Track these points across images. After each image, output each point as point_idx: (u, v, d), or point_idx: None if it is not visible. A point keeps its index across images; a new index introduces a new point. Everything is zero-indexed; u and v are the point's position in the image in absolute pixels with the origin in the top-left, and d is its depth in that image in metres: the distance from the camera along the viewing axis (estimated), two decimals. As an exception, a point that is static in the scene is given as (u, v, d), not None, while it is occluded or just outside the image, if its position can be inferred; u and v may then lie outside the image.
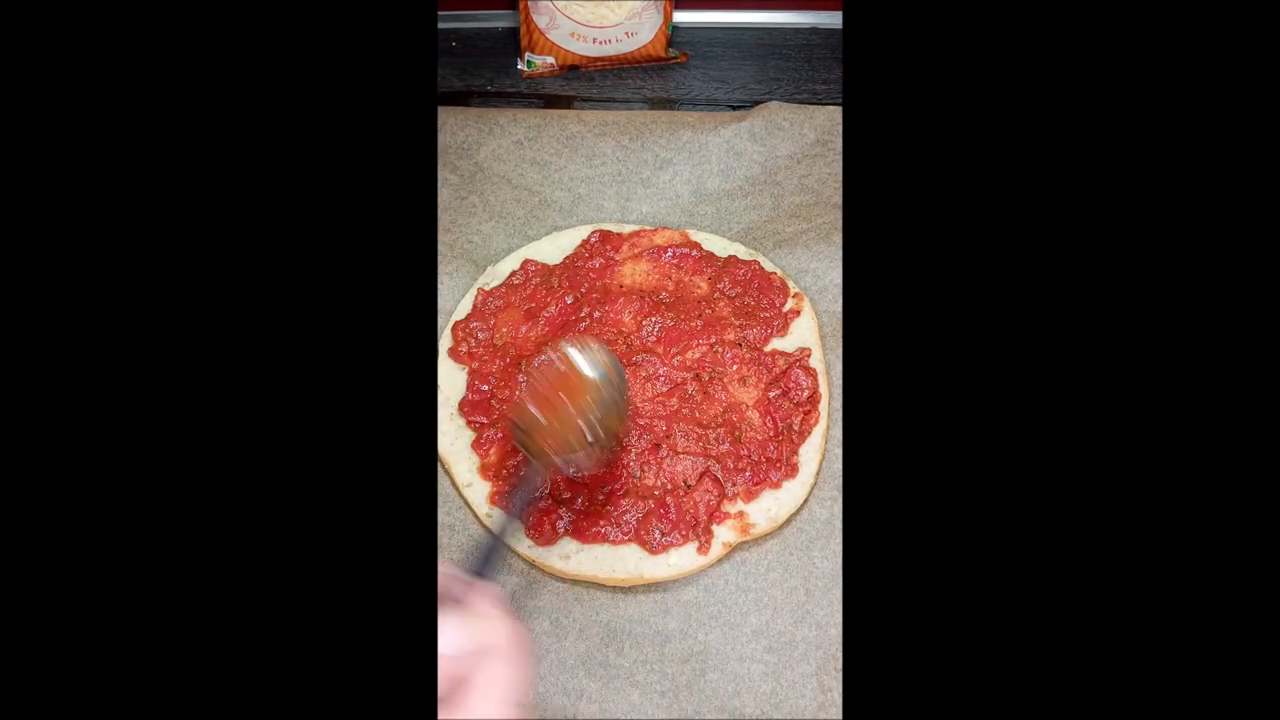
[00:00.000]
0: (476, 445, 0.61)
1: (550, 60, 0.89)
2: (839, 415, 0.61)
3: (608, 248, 0.70)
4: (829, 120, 0.76)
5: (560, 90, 0.88)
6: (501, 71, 0.91)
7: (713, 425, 0.60)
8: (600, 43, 0.87)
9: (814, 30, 0.92)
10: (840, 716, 0.50)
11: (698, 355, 0.63)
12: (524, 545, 0.57)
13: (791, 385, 0.61)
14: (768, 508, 0.57)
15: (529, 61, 0.89)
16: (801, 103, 0.78)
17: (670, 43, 0.89)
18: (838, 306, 0.66)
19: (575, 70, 0.90)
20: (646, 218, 0.74)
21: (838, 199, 0.72)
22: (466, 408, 0.63)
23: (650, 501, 0.57)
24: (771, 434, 0.59)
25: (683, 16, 0.92)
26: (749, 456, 0.58)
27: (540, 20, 0.86)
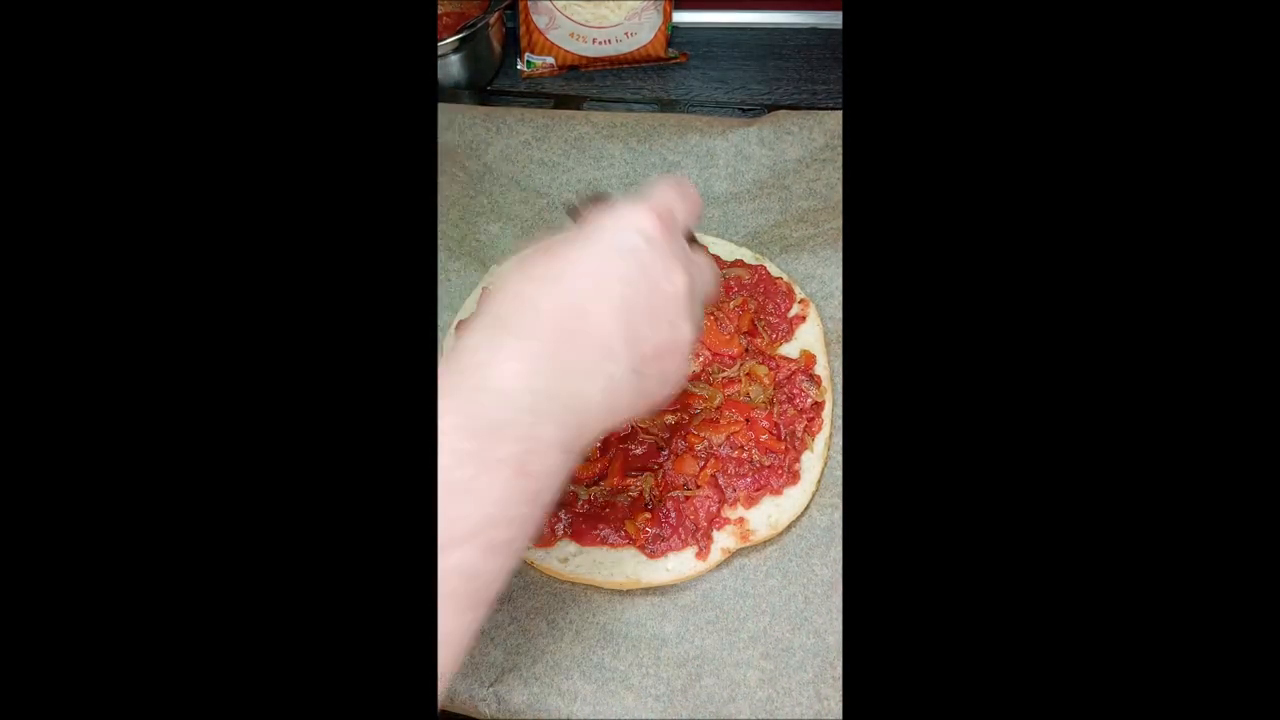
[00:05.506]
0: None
1: (550, 60, 0.88)
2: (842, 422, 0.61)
3: (614, 251, 0.70)
4: (838, 125, 0.76)
5: (559, 90, 0.87)
6: (501, 71, 0.91)
7: (715, 430, 0.59)
8: (600, 43, 0.87)
9: (814, 30, 0.92)
10: (838, 724, 0.49)
11: (701, 359, 0.62)
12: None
13: (796, 391, 0.61)
14: (768, 514, 0.57)
15: (529, 61, 0.89)
16: (801, 102, 0.78)
17: (670, 43, 0.89)
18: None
19: (575, 70, 0.90)
20: (653, 221, 0.74)
21: (846, 204, 0.71)
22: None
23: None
24: (774, 440, 0.59)
25: (682, 16, 0.92)
26: (751, 462, 0.58)
27: (540, 20, 0.86)
